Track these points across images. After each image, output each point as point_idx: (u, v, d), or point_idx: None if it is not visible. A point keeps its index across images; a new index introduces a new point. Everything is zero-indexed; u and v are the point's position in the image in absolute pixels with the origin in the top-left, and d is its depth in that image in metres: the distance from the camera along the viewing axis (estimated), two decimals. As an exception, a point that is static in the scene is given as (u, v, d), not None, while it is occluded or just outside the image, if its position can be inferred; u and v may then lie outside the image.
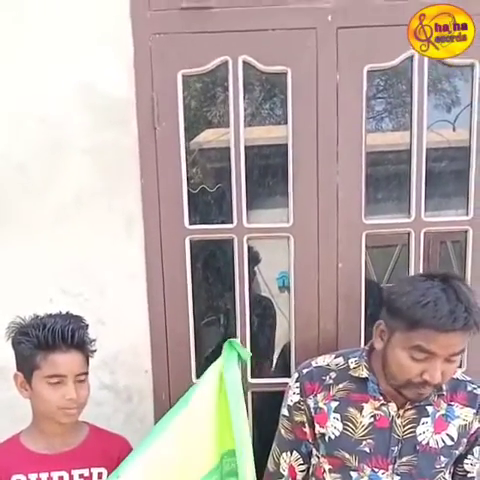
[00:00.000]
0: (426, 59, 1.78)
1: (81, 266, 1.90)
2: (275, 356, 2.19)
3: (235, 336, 1.96)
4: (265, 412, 2.12)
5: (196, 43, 1.81)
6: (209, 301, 2.10)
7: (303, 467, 1.65)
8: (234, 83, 1.83)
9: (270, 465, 1.71)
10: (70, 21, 1.80)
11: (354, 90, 1.81)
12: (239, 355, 1.60)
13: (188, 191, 1.90)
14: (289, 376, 1.93)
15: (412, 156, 1.87)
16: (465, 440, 1.52)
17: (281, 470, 1.67)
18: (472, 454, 1.56)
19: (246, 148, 1.88)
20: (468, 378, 1.57)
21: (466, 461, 1.56)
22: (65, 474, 1.56)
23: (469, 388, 1.54)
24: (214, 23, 1.79)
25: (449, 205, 1.94)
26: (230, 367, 1.56)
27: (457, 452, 1.52)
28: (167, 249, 1.89)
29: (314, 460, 1.62)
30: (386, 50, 1.78)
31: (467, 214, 1.90)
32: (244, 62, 1.82)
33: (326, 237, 1.88)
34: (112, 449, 1.61)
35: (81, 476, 1.57)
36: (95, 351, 1.60)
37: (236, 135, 1.86)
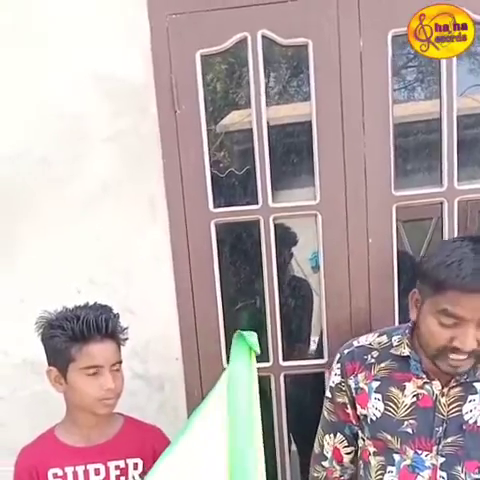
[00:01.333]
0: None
1: (108, 255, 1.85)
2: (312, 338, 2.10)
3: (265, 319, 1.88)
4: (298, 395, 2.03)
5: (213, 21, 1.72)
6: (238, 285, 2.01)
7: (348, 449, 1.59)
8: (254, 59, 1.74)
9: (315, 447, 1.65)
10: (84, 8, 1.74)
11: (379, 57, 1.70)
12: (250, 347, 1.42)
13: (216, 175, 1.79)
14: (323, 357, 1.87)
15: (442, 123, 1.75)
16: None
17: (325, 452, 1.61)
18: None
19: (272, 127, 1.80)
20: None
21: None
22: (101, 466, 1.53)
23: None
24: (230, -1, 1.70)
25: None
26: (236, 361, 1.42)
27: None
28: (192, 234, 1.82)
29: (360, 443, 1.55)
30: (410, 13, 1.65)
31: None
32: (263, 37, 1.73)
33: (355, 212, 1.78)
34: (147, 439, 1.57)
35: (117, 467, 1.54)
36: (127, 339, 1.56)
37: (258, 112, 1.77)
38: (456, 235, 1.78)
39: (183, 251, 1.82)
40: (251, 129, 1.79)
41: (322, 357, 1.88)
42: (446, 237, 1.79)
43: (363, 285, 1.81)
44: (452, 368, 1.31)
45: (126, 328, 1.54)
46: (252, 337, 1.41)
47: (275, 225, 1.84)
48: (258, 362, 1.92)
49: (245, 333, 1.42)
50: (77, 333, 1.44)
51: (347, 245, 1.79)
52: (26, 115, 1.79)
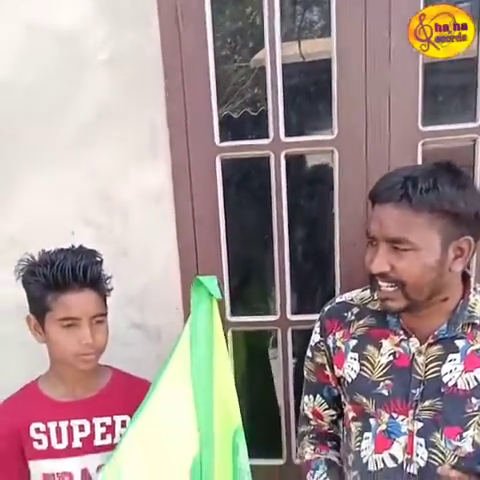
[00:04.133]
0: None
1: (103, 192, 1.57)
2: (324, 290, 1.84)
3: (273, 268, 1.60)
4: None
5: None
6: (244, 229, 1.72)
7: (329, 412, 1.38)
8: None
9: (301, 407, 1.45)
10: None
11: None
12: (209, 293, 1.23)
13: (248, 113, 1.49)
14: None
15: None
16: None
17: (306, 412, 1.42)
18: None
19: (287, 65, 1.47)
20: None
21: None
22: (86, 422, 1.31)
23: None
24: None
25: None
26: (196, 310, 1.24)
27: None
28: (196, 170, 1.54)
29: (345, 407, 1.32)
30: None
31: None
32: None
33: (376, 149, 1.48)
34: (137, 395, 1.29)
35: (103, 425, 1.32)
36: (111, 289, 1.32)
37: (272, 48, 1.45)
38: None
39: (185, 189, 1.54)
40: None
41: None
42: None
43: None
44: (382, 302, 1.14)
45: (110, 277, 1.30)
46: (211, 282, 1.21)
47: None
48: (264, 315, 1.66)
49: (204, 279, 1.22)
50: (50, 281, 1.21)
51: (366, 186, 1.48)
52: (14, 39, 1.48)
